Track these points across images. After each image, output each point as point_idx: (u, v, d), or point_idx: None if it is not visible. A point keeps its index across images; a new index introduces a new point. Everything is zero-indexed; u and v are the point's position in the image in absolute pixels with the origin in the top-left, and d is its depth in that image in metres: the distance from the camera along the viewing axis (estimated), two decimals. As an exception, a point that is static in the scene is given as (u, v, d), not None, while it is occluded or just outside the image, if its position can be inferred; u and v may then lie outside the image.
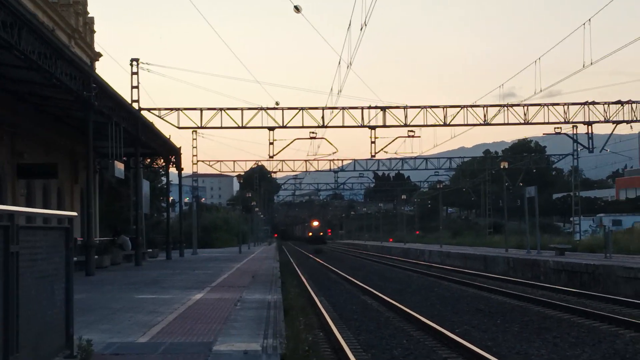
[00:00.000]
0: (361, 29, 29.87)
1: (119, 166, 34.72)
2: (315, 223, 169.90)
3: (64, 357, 9.14)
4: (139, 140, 39.91)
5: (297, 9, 31.98)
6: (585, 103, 53.81)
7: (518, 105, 54.14)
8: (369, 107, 53.25)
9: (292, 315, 18.65)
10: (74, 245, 30.12)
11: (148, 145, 44.28)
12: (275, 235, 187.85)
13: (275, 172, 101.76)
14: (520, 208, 68.14)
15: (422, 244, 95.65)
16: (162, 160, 58.99)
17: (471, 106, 53.60)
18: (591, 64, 39.65)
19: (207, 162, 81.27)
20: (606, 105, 53.80)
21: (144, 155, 50.34)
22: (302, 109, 52.76)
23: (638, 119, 53.71)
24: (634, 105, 53.57)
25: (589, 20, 39.63)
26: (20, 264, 7.49)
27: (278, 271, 33.47)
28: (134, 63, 50.01)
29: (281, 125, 52.70)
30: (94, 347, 9.92)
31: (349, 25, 33.42)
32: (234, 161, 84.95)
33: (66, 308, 9.19)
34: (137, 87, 49.48)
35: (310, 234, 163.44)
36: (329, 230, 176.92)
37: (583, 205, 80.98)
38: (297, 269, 48.84)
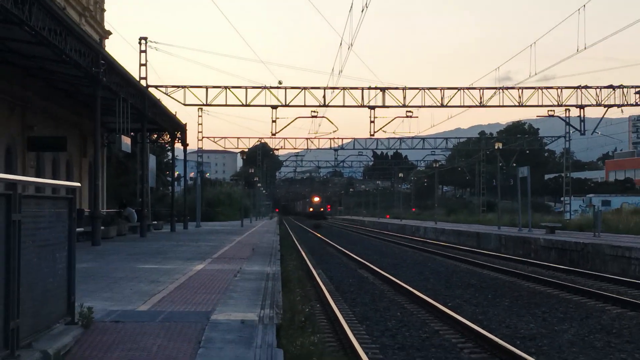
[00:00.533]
0: (362, 11, 29.67)
1: (126, 140, 34.57)
2: (317, 199, 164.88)
3: (65, 323, 9.05)
4: (146, 116, 39.78)
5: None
6: (578, 87, 53.67)
7: (513, 88, 54.01)
8: (369, 88, 53.16)
9: (290, 287, 18.59)
10: (81, 216, 30.08)
11: (154, 121, 44.14)
12: (277, 210, 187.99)
13: (277, 149, 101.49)
14: (513, 187, 68.05)
15: (418, 220, 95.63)
16: (168, 136, 58.75)
17: (468, 88, 53.46)
18: (585, 48, 39.45)
19: (212, 139, 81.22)
20: (598, 90, 53.67)
21: (151, 130, 50.18)
22: (304, 88, 52.64)
23: (629, 103, 53.58)
24: (625, 90, 53.43)
25: (584, 6, 39.36)
26: (22, 233, 7.37)
27: (278, 244, 33.40)
28: (142, 41, 49.75)
29: (284, 104, 52.61)
30: (95, 314, 9.84)
31: (351, 7, 33.19)
32: (238, 138, 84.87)
33: (68, 276, 9.08)
34: (145, 64, 49.27)
35: (311, 209, 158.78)
36: (328, 206, 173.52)
37: (573, 185, 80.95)
38: (296, 242, 48.81)
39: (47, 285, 8.30)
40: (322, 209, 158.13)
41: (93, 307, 9.87)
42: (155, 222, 50.75)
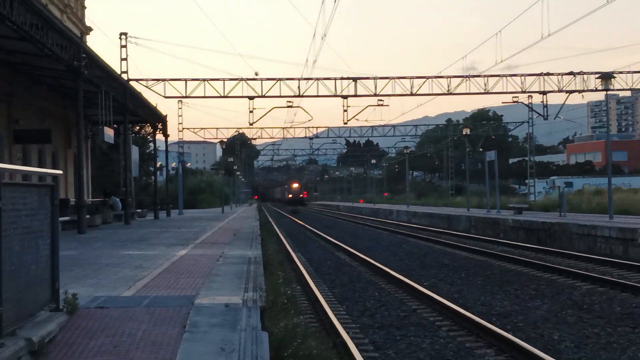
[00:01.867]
0: (334, 2, 29.23)
1: (108, 132, 34.16)
2: (295, 185, 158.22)
3: (50, 310, 8.65)
4: (127, 108, 39.31)
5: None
6: (541, 74, 53.67)
7: (479, 76, 53.83)
8: (342, 78, 52.98)
9: (271, 270, 18.25)
10: (67, 205, 29.58)
11: (136, 113, 43.64)
12: (255, 197, 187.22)
13: (255, 139, 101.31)
14: (480, 171, 68.14)
15: (390, 204, 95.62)
16: (149, 128, 58.14)
17: (436, 77, 53.31)
18: (549, 35, 39.18)
19: (192, 130, 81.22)
20: (560, 77, 53.74)
21: (133, 122, 49.66)
22: (280, 79, 52.34)
23: (589, 89, 53.60)
24: (585, 77, 53.52)
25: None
26: (3, 220, 6.97)
27: (258, 229, 33.02)
28: (123, 37, 49.26)
29: (260, 95, 52.35)
30: (80, 301, 9.44)
31: (323, -1, 32.72)
32: (217, 129, 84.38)
33: (52, 263, 8.67)
34: (125, 59, 48.79)
35: (290, 195, 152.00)
36: (305, 193, 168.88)
37: (537, 169, 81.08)
38: (275, 227, 48.48)
39: (31, 272, 7.89)
40: (301, 196, 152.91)
41: (78, 294, 9.47)
42: (139, 210, 50.23)
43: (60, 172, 9.51)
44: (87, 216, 31.59)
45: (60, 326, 8.33)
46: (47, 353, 7.36)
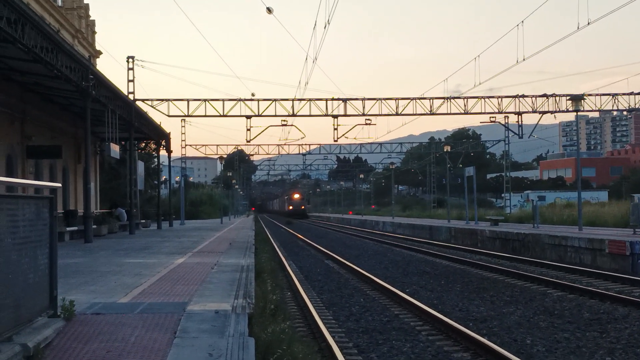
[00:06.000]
0: (325, 27, 29.04)
1: (115, 148, 33.89)
2: (297, 195, 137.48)
3: (47, 316, 8.38)
4: (133, 125, 39.03)
5: (269, 10, 31.19)
6: (516, 96, 53.63)
7: (459, 97, 53.78)
8: (332, 99, 52.88)
9: (263, 277, 17.99)
10: (75, 216, 29.33)
11: (141, 130, 43.39)
12: (253, 209, 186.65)
13: (252, 155, 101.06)
14: (460, 186, 67.88)
15: (377, 216, 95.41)
16: (154, 144, 57.84)
17: (419, 98, 53.17)
18: (524, 59, 39.08)
19: (194, 146, 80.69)
20: (534, 98, 53.74)
21: (138, 139, 49.37)
22: (275, 100, 52.24)
23: (561, 110, 53.60)
24: (557, 98, 53.57)
25: (522, 22, 39.02)
26: (1, 230, 6.71)
27: (253, 239, 32.71)
28: (130, 60, 49.01)
29: (257, 114, 52.20)
30: (78, 307, 9.17)
31: (315, 24, 32.58)
32: (217, 145, 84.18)
33: (50, 271, 8.40)
34: (132, 80, 48.52)
35: (291, 207, 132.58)
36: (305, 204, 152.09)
37: (512, 183, 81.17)
38: (270, 237, 48.22)
39: (28, 280, 7.63)
40: (303, 207, 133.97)
41: (76, 300, 9.21)
42: (144, 221, 49.92)
43: (58, 185, 9.25)
44: (94, 226, 31.31)
45: (57, 332, 8.07)
46: (42, 358, 7.10)
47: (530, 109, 53.67)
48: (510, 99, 53.65)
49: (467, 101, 53.39)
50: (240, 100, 52.13)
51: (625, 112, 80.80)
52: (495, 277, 22.03)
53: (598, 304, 16.22)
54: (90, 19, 49.65)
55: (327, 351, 10.98)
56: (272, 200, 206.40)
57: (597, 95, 54.13)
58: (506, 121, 59.84)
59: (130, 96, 45.79)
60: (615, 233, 29.68)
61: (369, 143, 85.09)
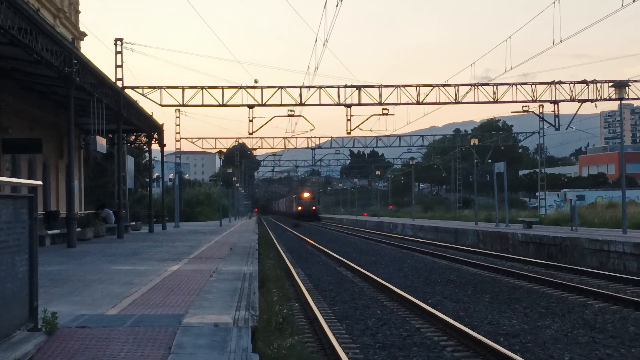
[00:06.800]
0: (337, 6, 29.02)
1: (101, 141, 33.94)
2: (307, 194, 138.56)
3: (27, 330, 8.43)
4: (121, 116, 39.09)
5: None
6: (552, 82, 53.38)
7: (488, 84, 53.58)
8: (345, 86, 52.70)
9: (268, 286, 18.03)
10: (57, 217, 29.37)
11: (130, 121, 43.39)
12: (256, 210, 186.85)
13: (255, 149, 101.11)
14: (488, 184, 67.95)
15: (395, 218, 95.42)
16: (145, 138, 58.01)
17: (443, 85, 53.05)
18: (560, 41, 38.94)
19: (190, 139, 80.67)
20: (572, 85, 53.44)
21: (127, 131, 49.44)
22: (281, 87, 52.12)
23: (602, 98, 53.34)
24: (598, 85, 53.21)
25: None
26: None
27: (256, 243, 32.77)
28: (118, 43, 49.03)
29: (260, 103, 52.06)
30: (61, 319, 9.21)
31: (325, 2, 32.52)
32: (216, 138, 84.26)
33: (30, 280, 8.44)
34: (120, 66, 48.53)
35: (300, 207, 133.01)
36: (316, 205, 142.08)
37: (548, 181, 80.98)
38: (275, 241, 48.27)
39: (5, 290, 7.67)
40: (314, 207, 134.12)
41: (59, 312, 9.24)
42: (134, 223, 50.03)
43: (39, 182, 9.29)
44: (78, 229, 31.36)
45: (38, 347, 8.10)
46: (21, 376, 7.13)
47: (568, 97, 53.43)
48: (546, 85, 53.44)
49: (496, 88, 53.22)
50: (241, 87, 52.03)
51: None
52: (528, 286, 22.01)
53: (645, 316, 16.21)
54: (73, -4, 49.70)
55: (340, 369, 11.00)
56: (278, 200, 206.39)
57: (643, 81, 53.92)
58: (541, 111, 59.68)
59: (119, 83, 45.82)
60: (664, 237, 29.61)
61: (386, 136, 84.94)
